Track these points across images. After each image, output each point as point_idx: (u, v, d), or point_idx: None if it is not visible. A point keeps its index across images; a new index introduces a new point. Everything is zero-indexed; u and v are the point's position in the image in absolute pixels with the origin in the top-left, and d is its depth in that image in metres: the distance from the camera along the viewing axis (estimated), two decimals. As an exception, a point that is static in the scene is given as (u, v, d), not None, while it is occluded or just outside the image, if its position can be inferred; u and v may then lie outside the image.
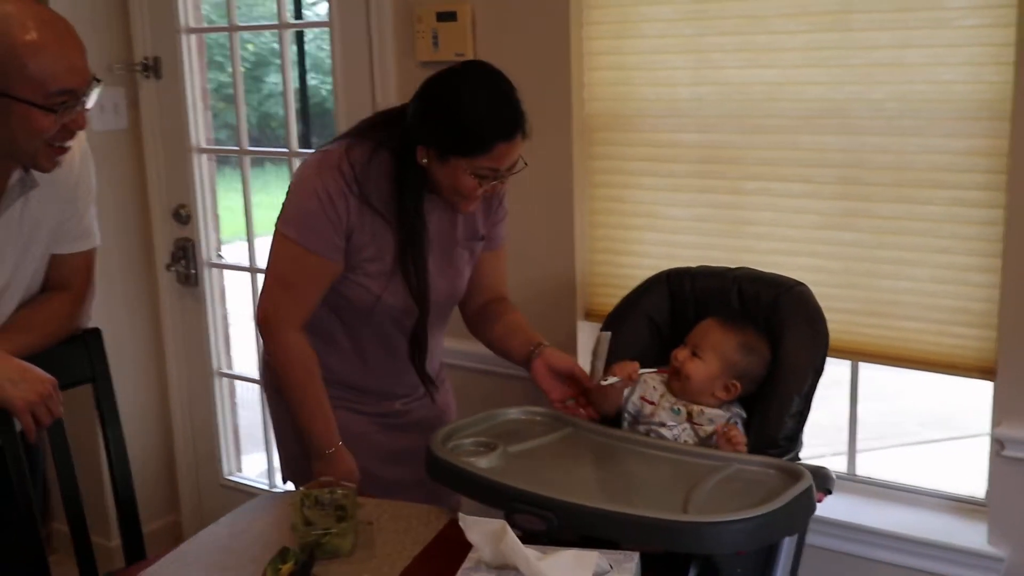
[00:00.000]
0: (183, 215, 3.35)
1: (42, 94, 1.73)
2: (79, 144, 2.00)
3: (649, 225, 2.53)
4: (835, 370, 2.28)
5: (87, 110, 1.82)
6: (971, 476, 2.89)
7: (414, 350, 2.10)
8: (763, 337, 2.04)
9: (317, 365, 2.07)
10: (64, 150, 1.84)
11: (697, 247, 2.46)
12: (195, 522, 3.53)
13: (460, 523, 1.56)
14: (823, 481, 1.95)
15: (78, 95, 1.78)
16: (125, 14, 3.25)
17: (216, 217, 3.40)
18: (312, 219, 1.98)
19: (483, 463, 1.84)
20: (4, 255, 1.92)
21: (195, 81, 3.26)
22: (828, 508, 2.38)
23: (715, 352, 1.99)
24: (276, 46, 3.13)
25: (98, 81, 1.83)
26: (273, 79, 9.89)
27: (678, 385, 2.01)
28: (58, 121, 1.76)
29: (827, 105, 2.24)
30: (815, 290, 2.18)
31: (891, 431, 5.09)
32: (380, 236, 2.02)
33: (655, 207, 2.51)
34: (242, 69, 3.25)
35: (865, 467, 2.54)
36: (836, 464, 2.54)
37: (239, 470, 3.59)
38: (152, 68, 3.25)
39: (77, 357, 2.05)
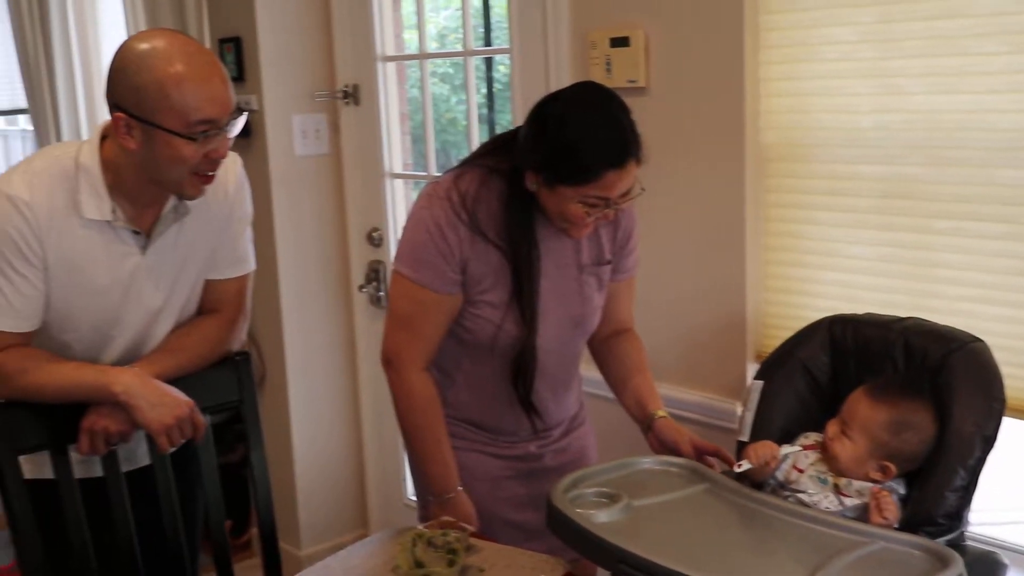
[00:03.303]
0: (376, 238, 3.43)
1: (184, 123, 1.79)
2: (234, 171, 2.06)
3: (827, 264, 2.32)
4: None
5: (229, 139, 1.87)
6: None
7: (517, 375, 2.00)
8: (926, 409, 1.79)
9: (439, 407, 2.03)
10: (209, 178, 1.89)
11: (879, 290, 2.23)
12: (381, 539, 3.59)
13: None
14: (991, 568, 1.72)
15: (219, 124, 1.83)
16: (330, 44, 3.37)
17: (408, 241, 3.45)
18: (424, 253, 1.93)
19: (602, 517, 1.73)
20: (159, 279, 2.00)
21: (391, 107, 3.33)
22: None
23: (863, 431, 1.78)
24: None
25: (241, 112, 1.87)
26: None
27: (829, 463, 1.83)
28: (199, 150, 1.82)
29: (1028, 135, 1.98)
30: (1012, 344, 1.92)
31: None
32: (496, 264, 1.95)
33: (834, 244, 2.30)
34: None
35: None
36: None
37: (424, 490, 3.61)
38: (352, 95, 3.35)
39: (226, 379, 2.11)
